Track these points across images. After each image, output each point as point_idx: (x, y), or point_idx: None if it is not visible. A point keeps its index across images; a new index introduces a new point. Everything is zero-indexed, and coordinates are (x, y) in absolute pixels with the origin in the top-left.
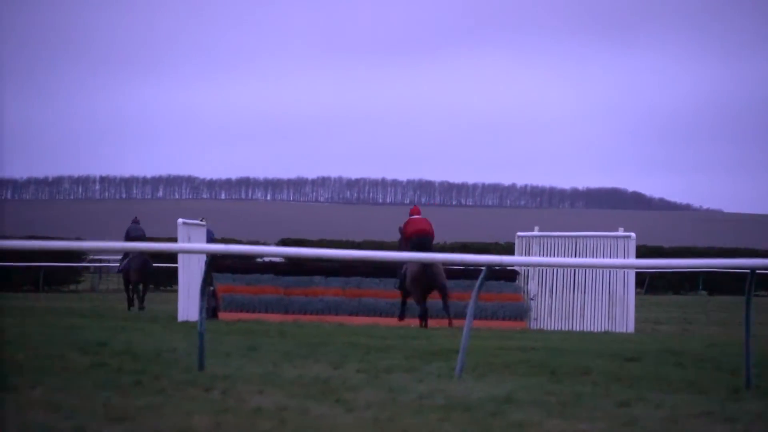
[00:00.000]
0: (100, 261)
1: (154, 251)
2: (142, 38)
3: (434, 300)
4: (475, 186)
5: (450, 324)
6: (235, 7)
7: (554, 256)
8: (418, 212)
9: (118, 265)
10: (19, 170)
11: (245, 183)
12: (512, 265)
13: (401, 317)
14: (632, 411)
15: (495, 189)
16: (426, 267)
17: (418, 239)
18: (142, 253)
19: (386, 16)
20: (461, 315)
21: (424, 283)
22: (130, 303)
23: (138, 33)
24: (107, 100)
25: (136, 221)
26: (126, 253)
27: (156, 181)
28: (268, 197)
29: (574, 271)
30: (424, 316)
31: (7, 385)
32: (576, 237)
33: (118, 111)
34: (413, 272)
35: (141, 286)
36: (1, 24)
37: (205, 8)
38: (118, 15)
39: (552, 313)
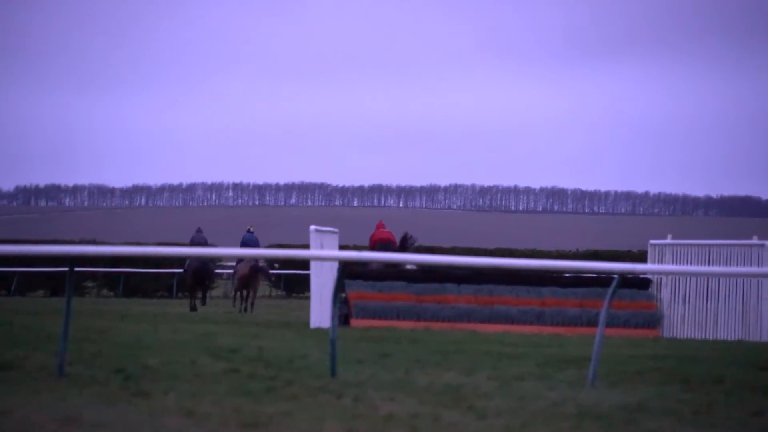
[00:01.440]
0: (234, 267)
1: (287, 258)
2: (285, 46)
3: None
4: (607, 193)
5: None
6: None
7: (687, 264)
8: (383, 226)
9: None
10: (153, 177)
11: (378, 190)
12: (644, 273)
13: None
14: (766, 420)
15: (628, 196)
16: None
17: (382, 244)
18: (199, 259)
19: (521, 22)
20: (594, 323)
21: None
22: (192, 305)
23: (281, 41)
24: (243, 109)
25: (199, 230)
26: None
27: (289, 188)
28: (401, 204)
29: (707, 279)
30: None
31: (140, 390)
32: (709, 245)
33: (252, 119)
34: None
35: (204, 288)
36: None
37: (340, 19)
38: (258, 24)
39: (685, 321)
